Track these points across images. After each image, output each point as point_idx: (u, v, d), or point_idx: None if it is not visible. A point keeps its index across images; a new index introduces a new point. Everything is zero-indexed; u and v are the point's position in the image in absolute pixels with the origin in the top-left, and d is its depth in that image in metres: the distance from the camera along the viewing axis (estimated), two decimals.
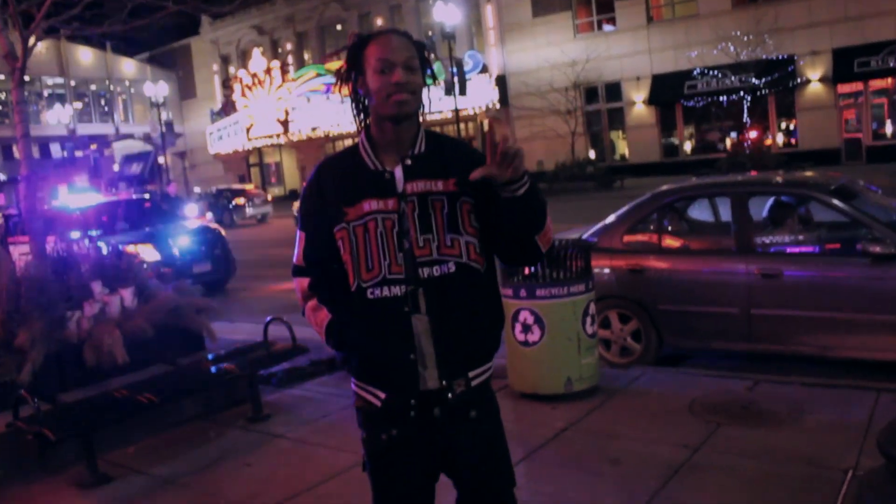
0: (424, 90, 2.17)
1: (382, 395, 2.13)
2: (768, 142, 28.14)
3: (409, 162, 2.12)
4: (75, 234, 11.62)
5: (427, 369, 2.09)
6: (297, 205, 2.42)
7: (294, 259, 2.25)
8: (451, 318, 2.09)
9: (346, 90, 2.22)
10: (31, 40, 6.27)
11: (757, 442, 4.31)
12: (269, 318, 5.76)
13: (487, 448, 2.20)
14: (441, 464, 2.20)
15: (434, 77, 2.23)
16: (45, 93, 47.11)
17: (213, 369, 5.49)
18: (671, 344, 6.21)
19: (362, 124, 2.22)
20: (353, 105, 2.21)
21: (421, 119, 2.20)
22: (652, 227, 6.55)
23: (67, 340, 5.24)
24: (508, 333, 5.20)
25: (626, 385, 5.49)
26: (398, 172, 2.11)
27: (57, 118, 43.50)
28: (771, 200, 6.44)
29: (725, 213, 6.47)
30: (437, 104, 30.07)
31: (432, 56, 2.25)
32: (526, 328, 5.14)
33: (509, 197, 1.99)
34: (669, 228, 6.68)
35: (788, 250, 5.96)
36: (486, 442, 2.19)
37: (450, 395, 2.10)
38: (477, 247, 2.12)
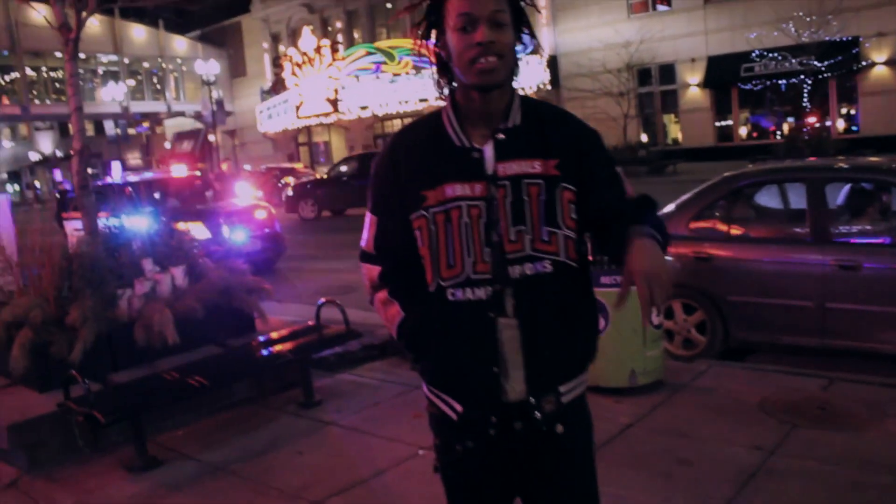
0: (519, 49, 1.81)
1: (459, 408, 1.87)
2: (828, 127, 27.21)
3: (501, 137, 1.78)
4: (127, 211, 11.68)
5: (511, 380, 1.80)
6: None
7: (363, 243, 1.97)
8: (544, 325, 1.78)
9: (424, 51, 1.88)
10: (85, 13, 6.17)
11: (836, 446, 4.03)
12: (321, 301, 5.60)
13: (574, 473, 1.91)
14: (519, 485, 1.92)
15: (532, 34, 1.86)
16: (100, 70, 47.85)
17: (264, 352, 5.37)
18: (738, 337, 5.91)
19: (444, 92, 1.88)
20: (436, 69, 1.87)
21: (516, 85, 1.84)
22: (720, 214, 6.24)
23: (118, 319, 5.16)
24: None
25: (691, 380, 5.22)
26: (488, 151, 1.78)
27: (111, 95, 44.08)
28: (848, 187, 6.08)
29: (797, 200, 6.13)
30: None
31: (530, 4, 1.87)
32: None
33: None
34: (739, 215, 6.35)
35: (868, 241, 5.61)
36: (572, 465, 1.90)
37: (537, 413, 1.81)
38: (576, 243, 1.80)
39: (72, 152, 6.05)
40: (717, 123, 30.34)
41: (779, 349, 5.94)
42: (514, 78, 1.82)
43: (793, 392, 4.85)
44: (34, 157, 53.06)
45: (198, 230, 11.50)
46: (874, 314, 5.30)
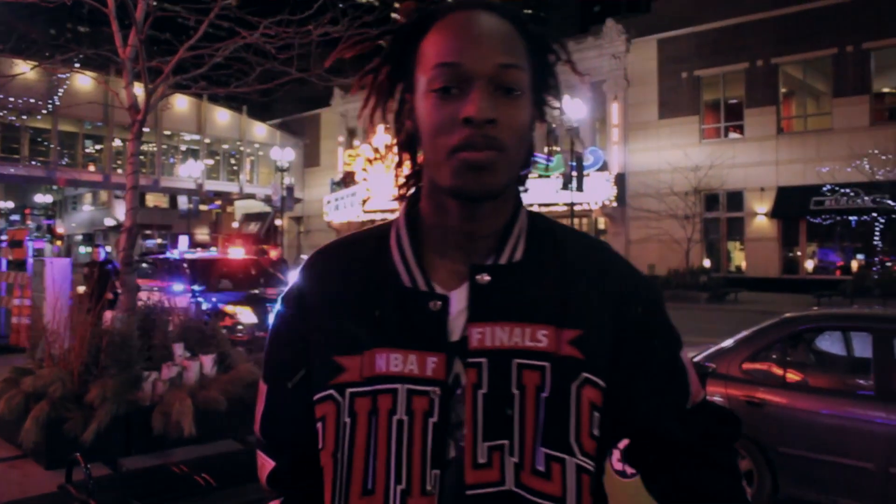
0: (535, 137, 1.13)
1: None
2: None
3: (484, 280, 1.08)
4: (178, 287, 11.79)
5: None
6: None
7: (254, 422, 1.24)
8: None
9: (381, 118, 1.19)
10: (156, 95, 6.34)
11: None
12: None
13: None
14: None
15: (560, 108, 1.18)
16: (182, 147, 49.92)
17: None
18: (788, 492, 5.45)
19: (405, 190, 1.22)
20: (397, 145, 1.20)
21: (522, 191, 1.18)
22: (777, 357, 5.88)
23: (138, 402, 5.05)
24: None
25: None
26: (456, 301, 1.08)
27: (188, 172, 45.82)
28: None
29: (862, 349, 5.75)
30: (552, 196, 30.29)
31: (565, 61, 1.17)
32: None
33: None
34: (797, 360, 5.98)
35: None
36: None
37: None
38: (593, 479, 1.07)
39: (122, 230, 6.10)
40: (783, 255, 29.74)
41: None
42: (521, 185, 1.17)
43: None
44: (109, 222, 55.13)
45: (245, 315, 11.52)
46: None
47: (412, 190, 1.21)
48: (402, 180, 1.22)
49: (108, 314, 5.76)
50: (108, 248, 43.67)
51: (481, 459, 1.02)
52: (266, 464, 1.21)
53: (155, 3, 6.25)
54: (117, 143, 46.40)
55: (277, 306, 1.22)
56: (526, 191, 1.18)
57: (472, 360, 1.04)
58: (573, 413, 1.04)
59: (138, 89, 6.25)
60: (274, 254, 17.69)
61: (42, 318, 5.78)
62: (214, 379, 5.46)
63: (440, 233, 1.12)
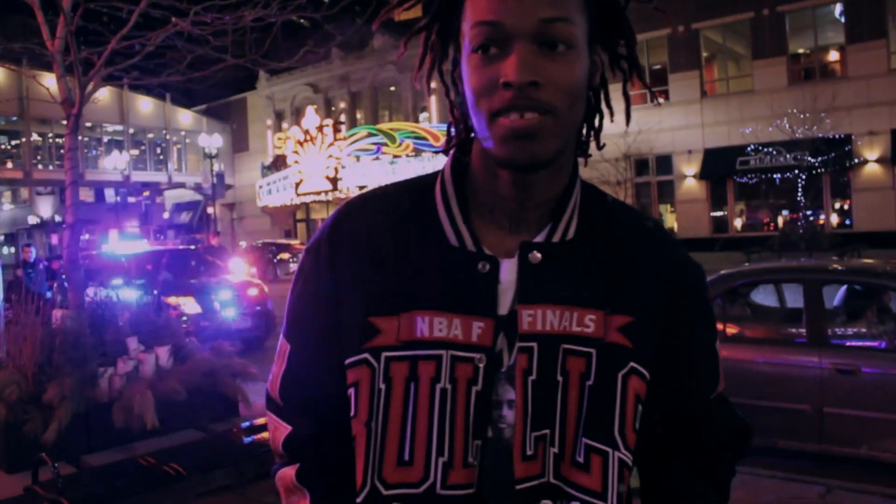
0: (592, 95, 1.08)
1: None
2: (822, 221, 27.50)
3: (536, 258, 1.01)
4: (118, 282, 11.59)
5: None
6: None
7: (267, 384, 1.18)
8: None
9: (429, 82, 1.11)
10: (89, 87, 6.23)
11: None
12: None
13: None
14: None
15: (630, 58, 1.11)
16: (105, 139, 48.46)
17: (246, 439, 5.20)
18: None
19: (451, 146, 1.12)
20: (449, 101, 1.12)
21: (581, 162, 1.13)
22: (716, 312, 6.17)
23: (97, 399, 5.03)
24: None
25: None
26: (506, 269, 1.01)
27: (113, 164, 44.52)
28: (844, 289, 6.04)
29: (793, 300, 6.08)
30: None
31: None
32: None
33: None
34: (734, 314, 6.29)
35: (865, 343, 5.53)
36: None
37: None
38: (632, 471, 1.03)
39: (64, 226, 6.02)
40: (713, 214, 30.66)
41: (775, 453, 5.78)
42: (582, 150, 1.10)
43: (790, 500, 4.69)
44: (33, 220, 53.27)
45: (189, 305, 11.41)
46: (874, 421, 5.18)
47: (452, 149, 1.11)
48: (453, 137, 1.12)
49: (56, 313, 5.69)
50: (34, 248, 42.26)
51: (529, 451, 0.96)
52: (280, 427, 1.13)
53: None
54: (34, 137, 44.82)
55: (301, 257, 1.13)
56: (590, 156, 1.13)
57: (524, 343, 0.98)
58: (618, 404, 0.99)
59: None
60: (214, 241, 17.41)
61: None
62: (171, 370, 5.47)
63: (489, 196, 1.03)
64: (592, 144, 1.15)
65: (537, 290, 0.99)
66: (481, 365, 0.97)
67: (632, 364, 1.00)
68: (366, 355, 1.00)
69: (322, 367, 1.07)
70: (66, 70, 6.15)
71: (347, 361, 1.02)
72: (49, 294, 11.08)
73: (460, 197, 1.05)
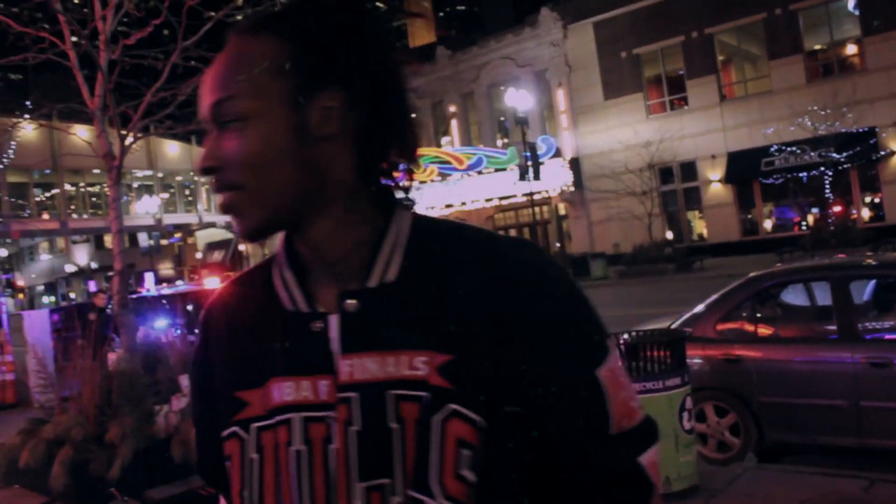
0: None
1: None
2: (853, 217, 27.26)
3: (352, 305, 0.99)
4: (161, 324, 11.92)
5: None
6: None
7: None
8: None
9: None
10: (128, 140, 6.54)
11: None
12: None
13: None
14: None
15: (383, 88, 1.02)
16: (135, 185, 49.51)
17: None
18: (773, 438, 5.85)
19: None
20: None
21: (405, 199, 1.09)
22: (747, 314, 6.28)
23: (156, 436, 5.27)
24: None
25: (727, 484, 5.16)
26: (334, 323, 0.99)
27: (145, 208, 45.46)
28: (874, 283, 6.13)
29: (823, 298, 6.17)
30: (510, 188, 30.61)
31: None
32: None
33: None
34: (766, 315, 6.40)
35: None
36: None
37: None
38: None
39: (110, 273, 6.31)
40: (742, 218, 30.51)
41: (816, 450, 5.86)
42: (329, 201, 1.00)
43: (833, 495, 4.77)
44: (70, 268, 54.42)
45: None
46: None
47: None
48: None
49: (110, 356, 5.96)
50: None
51: (357, 503, 0.93)
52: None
53: (117, 53, 6.44)
54: (67, 187, 45.90)
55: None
56: (411, 201, 1.08)
57: (343, 394, 0.95)
58: (435, 450, 0.92)
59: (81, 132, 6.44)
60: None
61: (32, 371, 5.96)
62: None
63: (315, 256, 1.03)
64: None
65: (356, 337, 0.97)
66: (333, 422, 0.95)
67: (451, 406, 0.92)
68: (235, 428, 1.02)
69: (213, 443, 1.08)
70: (107, 125, 6.46)
71: (222, 435, 1.04)
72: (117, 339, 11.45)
73: (292, 261, 1.05)
